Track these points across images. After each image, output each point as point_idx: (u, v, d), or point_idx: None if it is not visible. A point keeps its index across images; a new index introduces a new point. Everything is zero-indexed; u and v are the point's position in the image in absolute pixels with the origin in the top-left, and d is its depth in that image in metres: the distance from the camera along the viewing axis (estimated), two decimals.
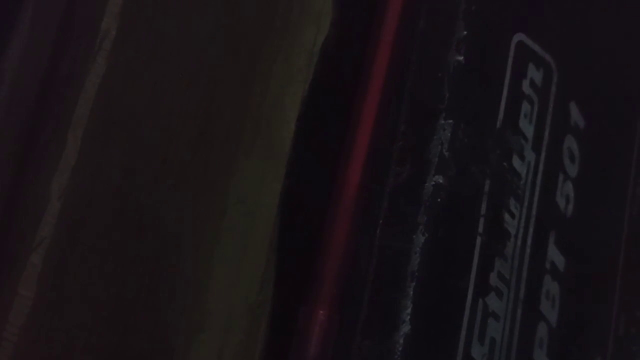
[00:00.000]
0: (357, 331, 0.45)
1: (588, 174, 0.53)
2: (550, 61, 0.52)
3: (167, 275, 0.46)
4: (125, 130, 0.45)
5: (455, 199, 0.47)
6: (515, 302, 0.48)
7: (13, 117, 0.45)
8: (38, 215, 0.43)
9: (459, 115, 0.47)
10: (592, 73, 0.54)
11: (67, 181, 0.44)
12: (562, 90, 0.52)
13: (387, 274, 0.45)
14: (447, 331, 0.46)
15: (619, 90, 0.56)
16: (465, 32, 0.48)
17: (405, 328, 0.44)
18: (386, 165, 0.47)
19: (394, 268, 0.45)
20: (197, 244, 0.46)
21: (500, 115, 0.49)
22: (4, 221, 0.44)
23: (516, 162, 0.49)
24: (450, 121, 0.47)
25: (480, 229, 0.47)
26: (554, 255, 0.51)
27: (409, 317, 0.44)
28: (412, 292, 0.45)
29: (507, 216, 0.49)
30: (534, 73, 0.51)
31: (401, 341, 0.44)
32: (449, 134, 0.47)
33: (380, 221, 0.46)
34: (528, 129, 0.50)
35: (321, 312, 0.46)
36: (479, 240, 0.47)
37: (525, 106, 0.50)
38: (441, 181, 0.46)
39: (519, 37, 0.50)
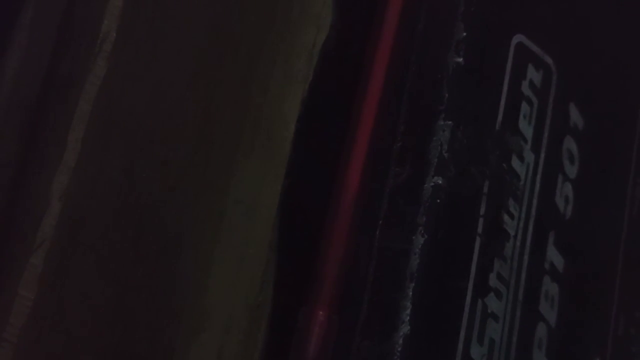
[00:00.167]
0: (356, 332, 0.45)
1: (587, 175, 0.53)
2: (549, 62, 0.52)
3: (167, 275, 0.46)
4: (126, 131, 0.45)
5: (454, 200, 0.47)
6: (515, 302, 0.48)
7: (13, 117, 0.45)
8: (38, 216, 0.43)
9: (459, 116, 0.47)
10: (592, 74, 0.54)
11: (67, 181, 0.44)
12: (562, 92, 0.52)
13: (386, 275, 0.46)
14: (446, 332, 0.46)
15: (619, 91, 0.56)
16: (464, 34, 0.48)
17: (405, 328, 0.44)
18: (386, 166, 0.47)
19: (393, 269, 0.45)
20: (196, 244, 0.46)
21: (500, 117, 0.49)
22: (4, 222, 0.44)
23: (515, 163, 0.49)
24: (450, 122, 0.47)
25: (480, 230, 0.47)
26: (553, 256, 0.51)
27: (408, 317, 0.44)
28: (411, 293, 0.45)
29: (506, 217, 0.49)
30: (533, 74, 0.51)
31: (400, 342, 0.44)
32: (449, 135, 0.47)
33: (380, 222, 0.46)
34: (527, 130, 0.50)
35: (321, 312, 0.46)
36: (478, 241, 0.47)
37: (524, 107, 0.50)
38: (440, 182, 0.46)
39: (518, 38, 0.50)
